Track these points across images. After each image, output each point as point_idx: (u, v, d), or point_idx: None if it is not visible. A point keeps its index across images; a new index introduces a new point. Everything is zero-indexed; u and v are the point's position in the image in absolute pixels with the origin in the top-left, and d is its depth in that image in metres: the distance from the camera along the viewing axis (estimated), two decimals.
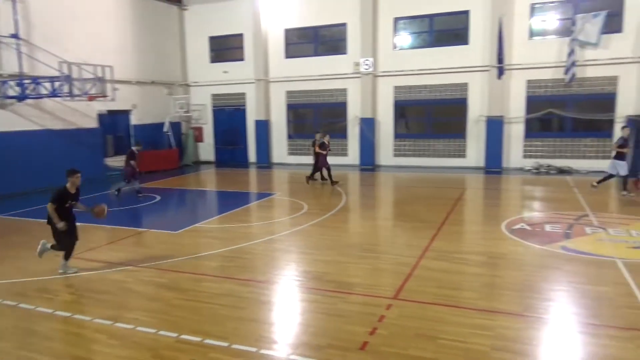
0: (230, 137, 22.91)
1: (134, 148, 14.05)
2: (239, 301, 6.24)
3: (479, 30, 17.83)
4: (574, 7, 16.69)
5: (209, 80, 22.62)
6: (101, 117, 18.30)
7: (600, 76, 16.67)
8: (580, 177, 15.92)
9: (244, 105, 22.41)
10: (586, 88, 16.89)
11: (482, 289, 6.61)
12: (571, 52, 16.46)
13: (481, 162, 18.30)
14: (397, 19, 19.17)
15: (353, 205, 12.91)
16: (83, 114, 17.28)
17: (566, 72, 16.63)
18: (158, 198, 13.88)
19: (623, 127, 13.20)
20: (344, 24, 19.92)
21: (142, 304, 6.29)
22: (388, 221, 11.39)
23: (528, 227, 9.65)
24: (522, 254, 8.03)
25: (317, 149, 15.54)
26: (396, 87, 19.45)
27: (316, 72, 20.43)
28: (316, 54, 20.78)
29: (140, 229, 10.37)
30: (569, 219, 10.24)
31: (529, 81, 17.53)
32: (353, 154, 20.39)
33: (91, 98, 15.25)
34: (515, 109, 17.81)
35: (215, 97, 22.93)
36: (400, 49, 19.45)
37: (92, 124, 17.87)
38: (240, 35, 21.81)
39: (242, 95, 22.34)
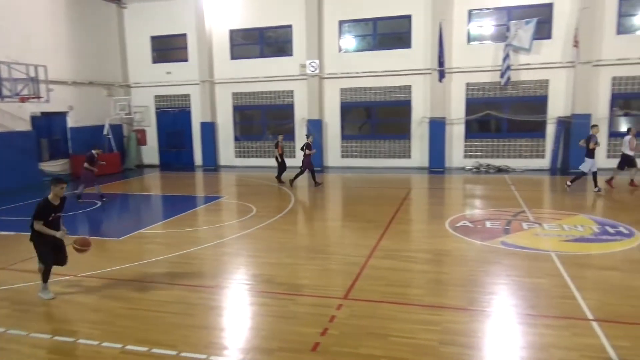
0: (175, 140, 22.33)
1: (93, 152, 13.49)
2: (188, 308, 6.09)
3: (421, 34, 18.39)
4: (508, 14, 17.59)
5: (152, 81, 21.95)
6: (35, 119, 17.31)
7: (532, 80, 17.65)
8: (516, 175, 16.77)
9: (188, 107, 21.91)
10: (520, 91, 17.83)
11: (428, 286, 6.82)
12: (506, 57, 17.33)
13: (425, 162, 18.87)
14: (342, 22, 19.42)
15: (302, 206, 12.95)
16: (15, 117, 16.28)
17: (502, 76, 17.49)
18: (99, 204, 13.30)
19: (593, 126, 13.84)
20: (289, 26, 19.94)
21: (83, 316, 6.01)
22: (336, 222, 11.51)
23: (470, 224, 10.05)
24: (465, 250, 8.35)
25: (307, 151, 15.38)
26: (342, 89, 19.70)
27: (262, 74, 20.32)
28: (262, 55, 20.67)
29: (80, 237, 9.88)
30: (507, 215, 10.76)
31: (468, 84, 18.29)
32: (300, 156, 20.39)
33: (23, 99, 14.39)
34: (456, 111, 18.51)
35: (158, 98, 22.27)
36: (345, 52, 19.71)
37: (25, 126, 16.87)
38: (184, 35, 21.32)
39: (186, 97, 21.84)
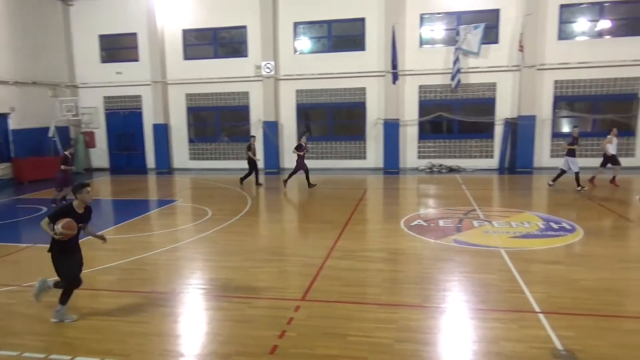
0: (126, 142, 21.64)
1: (66, 152, 12.97)
2: (142, 315, 5.92)
3: (375, 37, 18.70)
4: (458, 18, 18.17)
5: (101, 82, 21.19)
6: None
7: (481, 82, 18.31)
8: (467, 175, 17.33)
9: (140, 108, 21.30)
10: (470, 93, 18.46)
11: (385, 285, 6.93)
12: (456, 60, 17.89)
13: (380, 163, 19.18)
14: (297, 24, 19.45)
15: (258, 209, 12.86)
16: None
17: (452, 79, 18.05)
18: (44, 209, 12.70)
19: (574, 127, 14.34)
20: (244, 27, 19.78)
21: (29, 327, 5.72)
22: (294, 223, 11.51)
23: (424, 223, 10.30)
24: (419, 249, 8.55)
25: (297, 152, 15.21)
26: (298, 91, 19.72)
27: (217, 75, 20.05)
28: (216, 56, 20.39)
29: (23, 244, 9.41)
30: (459, 214, 11.10)
31: (421, 86, 18.75)
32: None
33: None
34: (410, 113, 18.93)
35: (108, 99, 21.53)
36: (301, 53, 19.75)
37: None
38: (134, 34, 20.72)
39: (137, 98, 21.22)
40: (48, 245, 5.67)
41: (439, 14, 18.53)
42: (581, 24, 17.87)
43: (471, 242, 8.79)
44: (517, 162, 17.97)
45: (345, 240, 9.13)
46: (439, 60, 18.36)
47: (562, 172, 13.85)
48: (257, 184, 15.96)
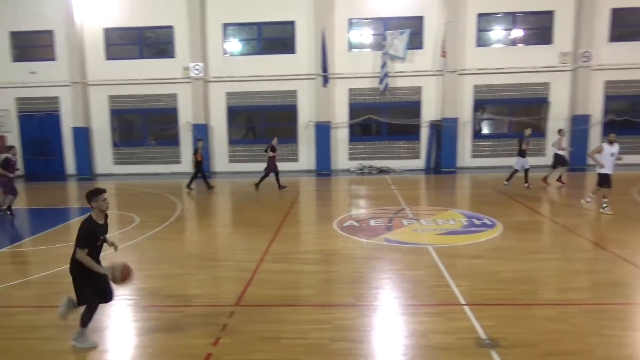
0: (42, 147, 20.24)
1: (8, 155, 11.92)
2: (63, 331, 5.55)
3: (305, 40, 18.86)
4: (384, 24, 18.77)
5: (12, 82, 19.67)
6: None
7: (408, 86, 19.03)
8: (396, 176, 17.92)
9: (57, 111, 20.01)
10: (397, 96, 19.12)
11: (319, 285, 7.00)
12: (384, 64, 18.47)
13: (312, 165, 19.35)
14: (226, 25, 19.18)
15: (189, 214, 12.52)
16: None
17: (380, 82, 18.62)
18: None
19: (528, 129, 15.14)
20: (170, 27, 19.20)
21: None
22: (226, 228, 11.32)
23: (356, 224, 10.52)
24: (352, 249, 8.72)
25: (271, 153, 15.00)
26: (228, 93, 19.44)
27: (142, 76, 19.28)
28: (142, 56, 19.63)
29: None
30: (389, 213, 11.45)
31: (351, 89, 19.15)
32: (186, 162, 19.74)
33: None
34: (340, 115, 19.27)
35: (20, 101, 20.02)
36: (231, 55, 19.49)
37: None
38: (50, 32, 19.45)
39: (55, 100, 19.93)
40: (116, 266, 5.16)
41: (366, 19, 19.04)
42: (497, 32, 19.11)
43: (401, 240, 9.10)
44: (442, 163, 18.85)
45: (279, 243, 9.11)
46: (368, 64, 18.86)
47: (515, 171, 14.70)
48: (209, 187, 15.55)
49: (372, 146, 19.62)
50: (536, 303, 6.14)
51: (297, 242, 9.59)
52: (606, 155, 10.73)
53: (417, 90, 19.09)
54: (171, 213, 12.08)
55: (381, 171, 18.83)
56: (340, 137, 19.43)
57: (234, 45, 19.71)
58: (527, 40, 19.00)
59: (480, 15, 18.53)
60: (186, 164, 19.63)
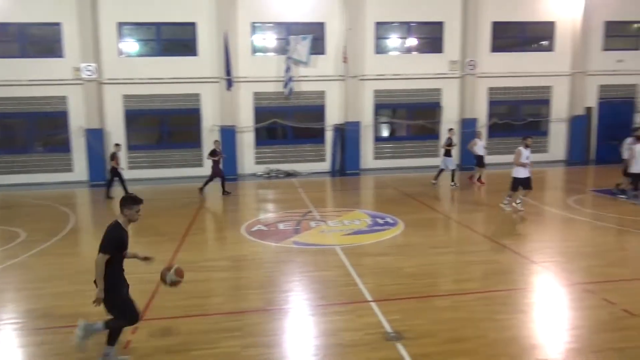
0: None
1: None
2: None
3: (207, 42, 18.41)
4: (287, 29, 18.94)
5: None
6: None
7: (312, 91, 19.37)
8: (303, 179, 18.14)
9: None
10: (302, 100, 19.38)
11: (228, 293, 6.87)
12: (288, 69, 18.63)
13: None
14: (121, 24, 18.12)
15: (84, 226, 11.64)
16: None
17: (285, 86, 18.75)
18: None
19: (449, 129, 15.88)
20: (57, 24, 17.71)
21: None
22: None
23: (264, 228, 10.48)
24: (261, 253, 8.68)
25: (211, 157, 14.35)
26: (126, 96, 18.38)
27: (26, 76, 17.54)
28: (25, 55, 17.87)
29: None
30: (297, 216, 11.57)
31: (256, 93, 19.06)
32: (80, 169, 18.33)
33: None
34: (245, 119, 19.09)
35: None
36: (127, 56, 18.47)
37: None
38: None
39: None
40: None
41: (269, 23, 19.08)
42: (393, 40, 20.15)
43: (309, 242, 9.23)
44: (346, 165, 19.43)
45: (185, 251, 8.80)
46: (272, 68, 18.90)
47: (441, 170, 15.49)
48: (107, 196, 14.51)
49: (278, 150, 19.68)
50: (436, 295, 6.56)
51: (204, 249, 9.33)
52: (524, 159, 11.20)
53: (321, 94, 19.52)
54: (63, 226, 11.14)
55: (288, 174, 18.95)
56: (246, 141, 19.24)
57: (131, 45, 18.70)
58: (420, 49, 20.25)
59: (378, 23, 19.41)
60: (80, 172, 18.23)
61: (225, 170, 18.54)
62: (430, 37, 20.10)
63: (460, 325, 5.52)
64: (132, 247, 10.03)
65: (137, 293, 6.78)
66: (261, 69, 18.85)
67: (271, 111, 19.24)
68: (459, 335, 5.31)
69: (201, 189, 14.82)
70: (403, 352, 4.94)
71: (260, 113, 19.21)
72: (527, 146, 11.30)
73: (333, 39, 19.10)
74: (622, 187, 12.89)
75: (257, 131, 19.35)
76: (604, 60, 20.69)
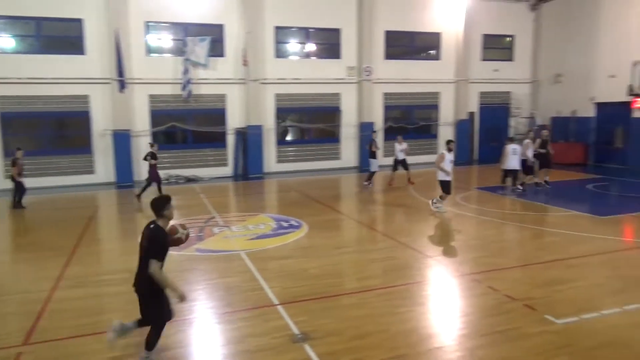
0: None
1: None
2: None
3: (96, 41, 17.19)
4: (184, 29, 18.33)
5: None
6: None
7: (212, 94, 18.93)
8: (205, 184, 17.65)
9: None
10: (202, 104, 18.86)
11: (127, 307, 6.44)
12: (186, 71, 18.02)
13: (112, 177, 17.76)
14: None
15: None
16: None
17: (184, 89, 18.11)
18: None
19: (373, 132, 16.31)
20: None
21: None
22: (6, 256, 9.61)
23: None
24: None
25: (152, 161, 13.83)
26: (1, 97, 16.53)
27: None
28: None
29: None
30: (199, 222, 11.23)
31: (152, 96, 18.18)
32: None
33: None
34: (141, 123, 18.12)
35: None
36: (2, 52, 16.64)
37: None
38: None
39: None
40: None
41: (165, 23, 18.32)
42: (293, 45, 20.40)
43: (213, 248, 9.02)
44: (249, 169, 19.27)
45: (76, 265, 8.14)
46: (169, 69, 18.15)
47: (372, 172, 15.76)
48: (18, 205, 13.23)
49: (177, 155, 18.94)
50: (341, 293, 6.75)
51: (99, 262, 8.71)
52: (447, 162, 11.51)
53: (222, 97, 19.15)
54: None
55: (189, 180, 18.31)
56: (143, 146, 18.23)
57: (6, 41, 16.88)
58: (319, 54, 20.74)
59: (278, 27, 19.52)
60: None
61: (120, 177, 17.53)
62: (329, 43, 20.67)
63: (364, 322, 5.74)
64: (16, 265, 9.12)
65: (19, 316, 6.18)
66: (157, 71, 18.03)
67: (169, 114, 18.48)
68: (363, 331, 5.51)
69: (138, 196, 14.06)
70: (310, 352, 5.02)
71: (158, 116, 18.37)
72: (450, 150, 11.58)
73: (233, 42, 18.86)
74: (519, 182, 14.27)
75: (155, 135, 18.46)
76: (483, 69, 22.81)
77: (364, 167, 19.57)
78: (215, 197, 14.71)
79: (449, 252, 8.78)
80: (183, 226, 5.02)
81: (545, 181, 14.86)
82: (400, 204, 13.25)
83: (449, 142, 11.91)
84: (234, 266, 7.95)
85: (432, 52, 22.32)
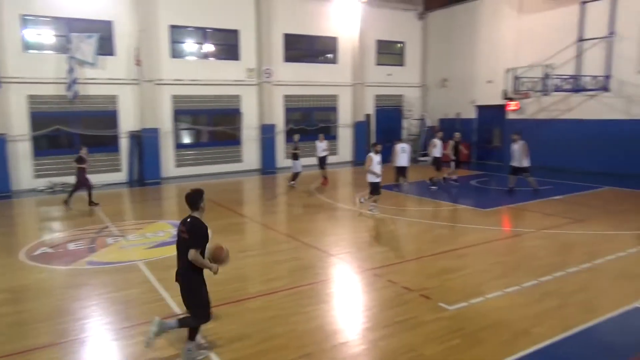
0: None
1: None
2: None
3: None
4: (68, 25, 16.90)
5: None
6: None
7: (102, 94, 17.67)
8: (96, 191, 16.38)
9: None
10: (90, 105, 17.53)
11: (7, 331, 5.83)
12: (71, 70, 16.63)
13: None
14: None
15: None
16: None
17: (69, 89, 16.70)
18: None
19: (295, 134, 16.31)
20: None
21: None
22: None
23: (51, 250, 9.20)
24: (48, 280, 7.60)
25: (78, 165, 13.06)
26: None
27: None
28: None
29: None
30: (91, 233, 10.45)
31: (31, 96, 16.51)
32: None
33: None
34: (19, 126, 16.38)
35: None
36: None
37: None
38: None
39: None
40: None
41: (44, 17, 16.74)
42: (190, 45, 19.78)
43: (107, 260, 8.45)
44: (145, 174, 18.30)
45: None
46: (51, 68, 16.62)
47: (297, 173, 15.89)
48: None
49: (63, 160, 17.36)
50: (247, 297, 6.69)
51: None
52: (375, 164, 11.61)
53: (113, 99, 17.95)
54: None
55: (76, 187, 16.89)
56: (21, 151, 16.51)
57: None
58: (217, 55, 20.30)
59: (173, 27, 18.78)
60: None
61: None
62: (227, 44, 20.34)
63: (272, 324, 5.74)
64: None
65: None
66: (37, 69, 16.41)
67: (53, 117, 16.91)
68: (272, 333, 5.52)
69: (66, 201, 13.06)
70: None
71: (39, 119, 16.73)
72: (377, 152, 11.71)
73: (124, 40, 17.77)
74: (434, 180, 15.46)
75: (36, 140, 16.78)
76: (377, 73, 23.95)
77: (266, 169, 19.54)
78: (109, 205, 13.77)
79: (350, 249, 9.08)
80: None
81: (453, 178, 16.19)
82: (304, 204, 13.44)
83: (374, 144, 12.17)
84: (132, 277, 7.52)
85: (329, 55, 22.93)
